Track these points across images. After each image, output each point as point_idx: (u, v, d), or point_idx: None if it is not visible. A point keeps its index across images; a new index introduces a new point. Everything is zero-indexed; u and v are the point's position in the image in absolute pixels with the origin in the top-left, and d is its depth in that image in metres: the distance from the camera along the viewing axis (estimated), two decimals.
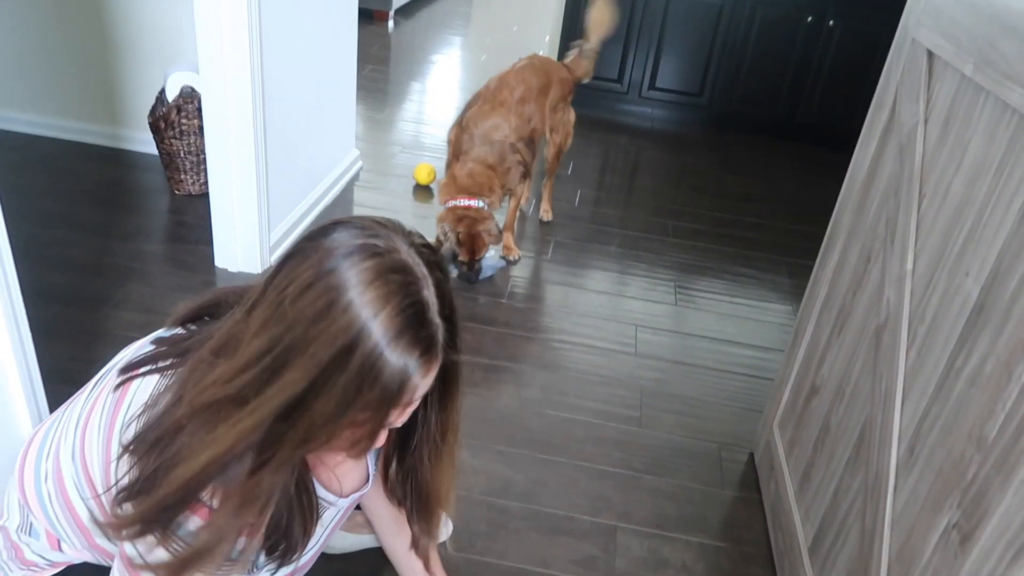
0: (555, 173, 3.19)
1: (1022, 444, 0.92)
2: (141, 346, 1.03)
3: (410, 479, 1.12)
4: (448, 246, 2.64)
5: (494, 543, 1.71)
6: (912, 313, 1.27)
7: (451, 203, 2.66)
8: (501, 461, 1.94)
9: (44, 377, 1.60)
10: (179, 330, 1.02)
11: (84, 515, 1.01)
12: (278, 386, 0.80)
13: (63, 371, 1.88)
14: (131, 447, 0.86)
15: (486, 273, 2.72)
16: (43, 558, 1.07)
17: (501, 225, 2.79)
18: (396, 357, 0.81)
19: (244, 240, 2.55)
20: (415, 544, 1.21)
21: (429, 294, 0.85)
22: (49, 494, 1.03)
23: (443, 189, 2.72)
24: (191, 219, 2.86)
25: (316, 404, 0.81)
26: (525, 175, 2.87)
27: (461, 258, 2.63)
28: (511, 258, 2.87)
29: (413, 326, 0.82)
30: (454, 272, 2.66)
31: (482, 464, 1.92)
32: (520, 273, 2.81)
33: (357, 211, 3.12)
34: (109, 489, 0.93)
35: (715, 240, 3.21)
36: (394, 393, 0.83)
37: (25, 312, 1.50)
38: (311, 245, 0.85)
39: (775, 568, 1.73)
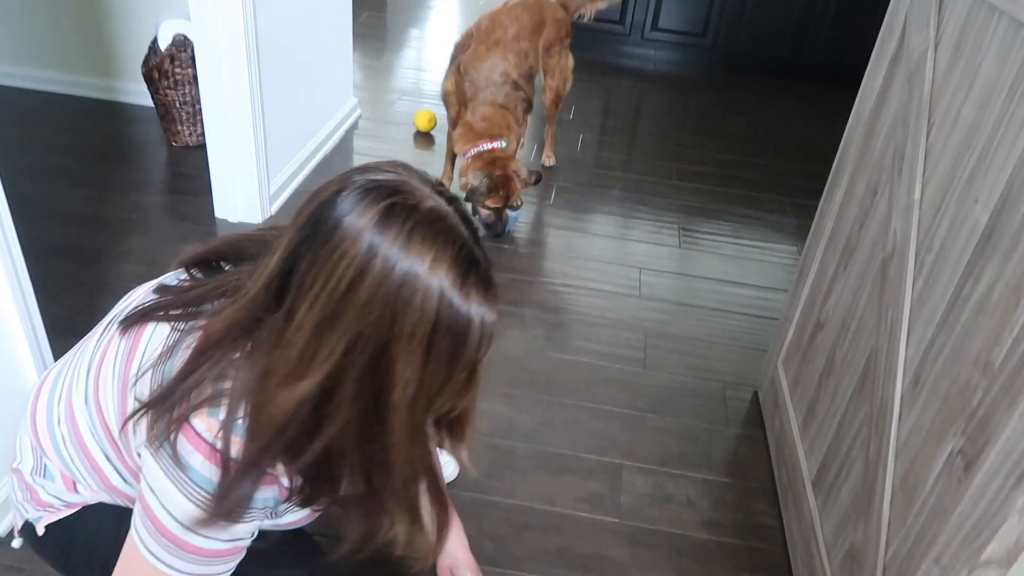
0: (555, 119, 3.13)
1: None
2: (145, 293, 1.02)
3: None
4: (477, 191, 2.52)
5: (500, 483, 1.73)
6: (919, 243, 1.26)
7: (473, 151, 2.56)
8: (506, 403, 1.95)
9: (48, 330, 1.60)
10: (184, 277, 1.00)
11: (100, 458, 1.01)
12: (385, 381, 0.80)
13: (67, 323, 1.88)
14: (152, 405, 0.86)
15: (509, 225, 2.63)
16: (59, 499, 1.07)
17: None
18: (472, 307, 0.81)
19: (243, 190, 2.53)
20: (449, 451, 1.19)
21: (464, 230, 0.84)
22: (63, 436, 1.03)
23: (460, 139, 2.62)
24: (190, 170, 2.83)
25: (425, 384, 0.81)
26: (527, 111, 2.82)
27: (492, 204, 2.50)
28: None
29: (470, 270, 0.81)
30: (482, 232, 2.58)
31: (487, 407, 1.93)
32: (523, 218, 2.79)
33: (357, 160, 3.09)
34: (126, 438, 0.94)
35: (720, 182, 3.18)
36: (480, 340, 0.83)
37: (26, 266, 1.49)
38: (333, 228, 0.78)
39: (779, 501, 1.75)
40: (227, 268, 0.98)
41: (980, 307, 1.04)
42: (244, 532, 0.91)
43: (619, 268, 2.55)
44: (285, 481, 0.89)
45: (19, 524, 1.11)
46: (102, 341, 1.01)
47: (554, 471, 1.78)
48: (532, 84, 2.81)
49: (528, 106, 2.80)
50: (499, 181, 2.48)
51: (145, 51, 2.94)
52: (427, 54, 4.28)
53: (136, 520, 0.90)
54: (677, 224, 2.84)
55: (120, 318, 0.99)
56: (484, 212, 2.54)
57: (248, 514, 0.88)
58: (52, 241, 2.35)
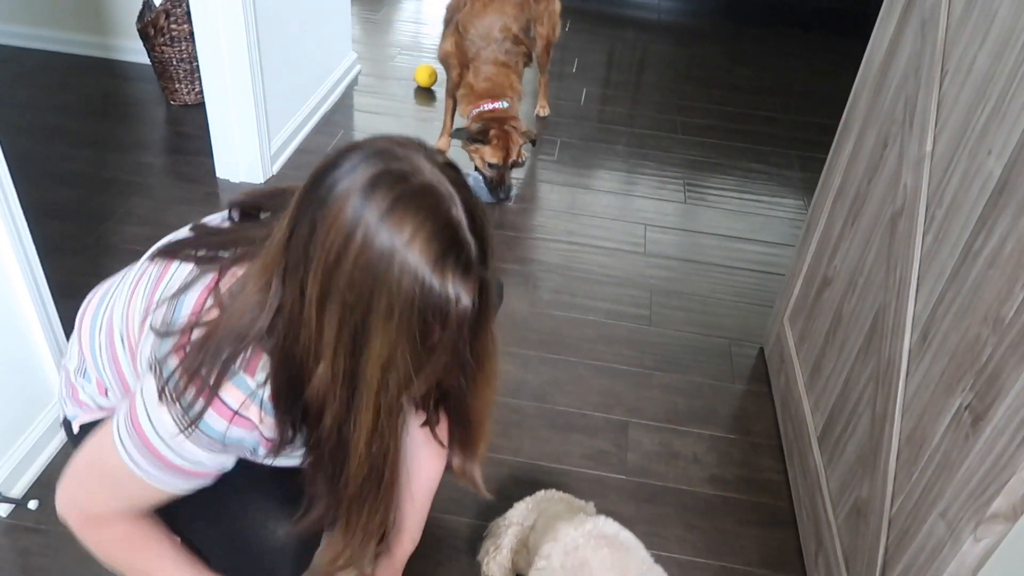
0: (548, 68, 3.07)
1: None
2: (186, 229, 1.05)
3: (450, 410, 1.12)
4: (467, 133, 2.51)
5: (508, 441, 1.74)
6: (930, 197, 1.24)
7: (474, 111, 2.54)
8: (513, 362, 1.95)
9: (54, 292, 1.60)
10: (226, 218, 1.02)
11: (126, 369, 1.05)
12: (365, 359, 0.80)
13: (73, 286, 1.87)
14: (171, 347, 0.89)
15: (514, 192, 2.61)
16: (93, 401, 1.12)
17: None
18: (449, 288, 0.78)
19: (244, 150, 2.50)
20: (459, 472, 1.20)
21: (457, 211, 0.81)
22: (100, 345, 1.07)
23: (463, 101, 2.61)
24: (189, 129, 2.80)
25: (398, 364, 0.80)
26: (526, 64, 2.79)
27: (493, 160, 2.47)
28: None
29: (451, 250, 0.78)
30: (486, 198, 2.52)
31: None
32: (527, 175, 2.76)
33: (358, 117, 3.05)
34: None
35: (725, 135, 3.13)
36: (459, 324, 0.80)
37: (28, 229, 1.48)
38: (326, 193, 0.78)
39: (784, 456, 1.76)
40: (263, 217, 1.00)
41: (991, 262, 1.03)
42: (210, 461, 0.92)
43: (624, 225, 2.53)
44: (267, 432, 0.90)
45: (61, 417, 1.17)
46: (143, 266, 1.05)
47: (561, 429, 1.79)
48: (530, 36, 2.76)
49: (528, 60, 2.76)
50: (496, 134, 2.44)
51: (140, 6, 2.88)
52: (426, 7, 4.19)
53: (120, 417, 0.93)
54: (682, 179, 2.81)
55: (158, 248, 1.04)
56: (488, 172, 2.50)
57: (216, 445, 0.89)
58: (53, 203, 2.34)
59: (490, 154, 2.48)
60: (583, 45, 3.85)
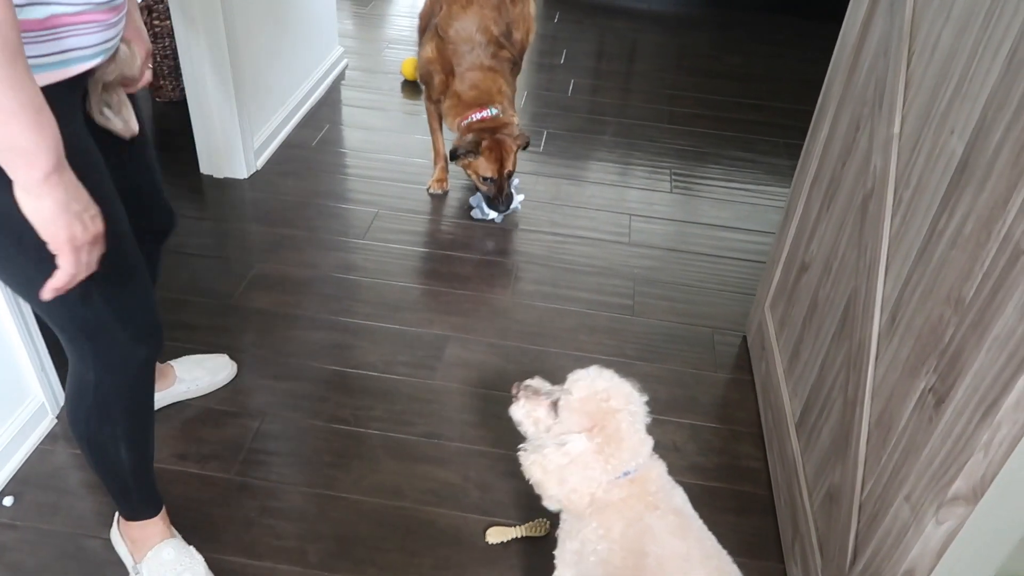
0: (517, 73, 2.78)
1: (997, 301, 0.89)
2: None
3: None
4: (460, 150, 2.36)
5: (487, 431, 1.74)
6: (898, 178, 1.22)
7: (463, 123, 2.40)
8: (493, 353, 1.95)
9: None
10: None
11: None
12: None
13: None
14: None
15: (514, 204, 2.45)
16: None
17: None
18: None
19: (227, 145, 2.49)
20: None
21: None
22: None
23: (450, 113, 2.45)
24: (174, 126, 2.79)
25: None
26: (514, 71, 2.60)
27: (487, 174, 2.35)
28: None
29: None
30: (484, 213, 2.43)
31: (474, 357, 1.93)
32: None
33: (345, 111, 3.04)
34: None
35: (714, 124, 3.11)
36: None
37: None
38: None
39: (764, 444, 1.75)
40: None
41: (953, 241, 1.02)
42: None
43: (609, 215, 2.52)
44: None
45: None
46: None
47: None
48: (511, 41, 2.60)
49: (515, 67, 2.59)
50: (489, 145, 2.32)
51: None
52: (416, 0, 4.18)
53: None
54: (669, 169, 2.80)
55: None
56: (484, 187, 2.39)
57: None
58: None
59: (484, 167, 2.35)
60: (572, 35, 3.83)
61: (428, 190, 2.56)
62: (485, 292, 2.15)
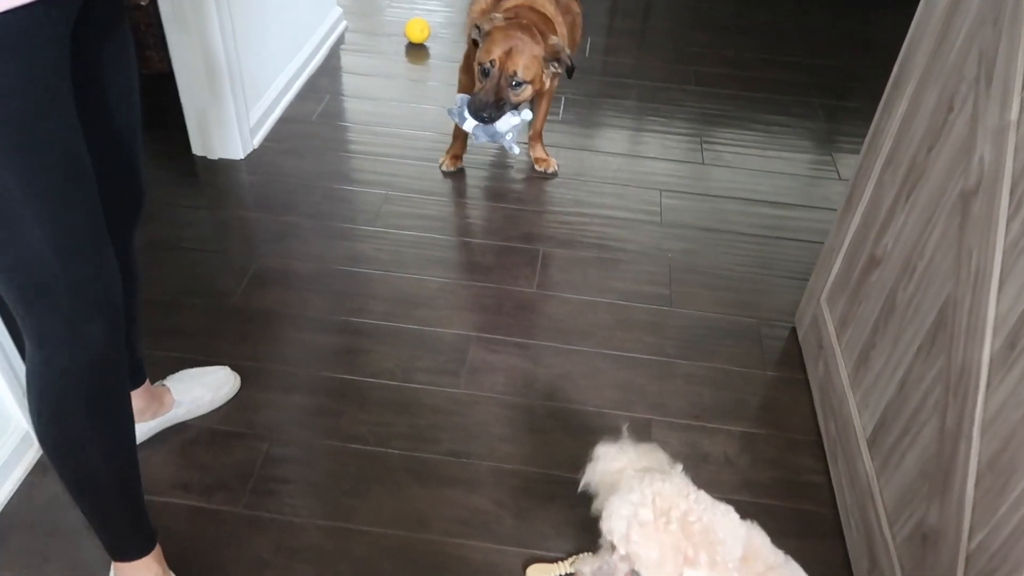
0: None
1: None
2: None
3: None
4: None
5: (518, 448, 1.57)
6: (1016, 176, 1.03)
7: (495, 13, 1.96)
8: (521, 355, 1.77)
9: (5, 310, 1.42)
10: None
11: None
12: None
13: None
14: None
15: (502, 130, 1.93)
16: None
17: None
18: None
19: (220, 123, 2.28)
20: None
21: None
22: None
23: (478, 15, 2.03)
24: (163, 101, 2.56)
25: None
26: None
27: (482, 59, 1.87)
28: (547, 170, 2.35)
29: None
30: (460, 117, 1.93)
31: (500, 360, 1.75)
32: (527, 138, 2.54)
33: (347, 79, 2.82)
34: None
35: (743, 85, 2.89)
36: None
37: None
38: None
39: (827, 457, 1.59)
40: None
41: None
42: None
43: (637, 191, 2.32)
44: None
45: None
46: None
47: (576, 432, 1.62)
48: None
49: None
50: (505, 28, 1.85)
51: None
52: None
53: None
54: (698, 137, 2.59)
55: None
56: (478, 83, 1.94)
57: None
58: None
59: (482, 52, 1.88)
60: None
61: (440, 166, 2.35)
62: (508, 284, 1.97)
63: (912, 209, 1.34)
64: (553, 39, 1.95)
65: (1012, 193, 1.03)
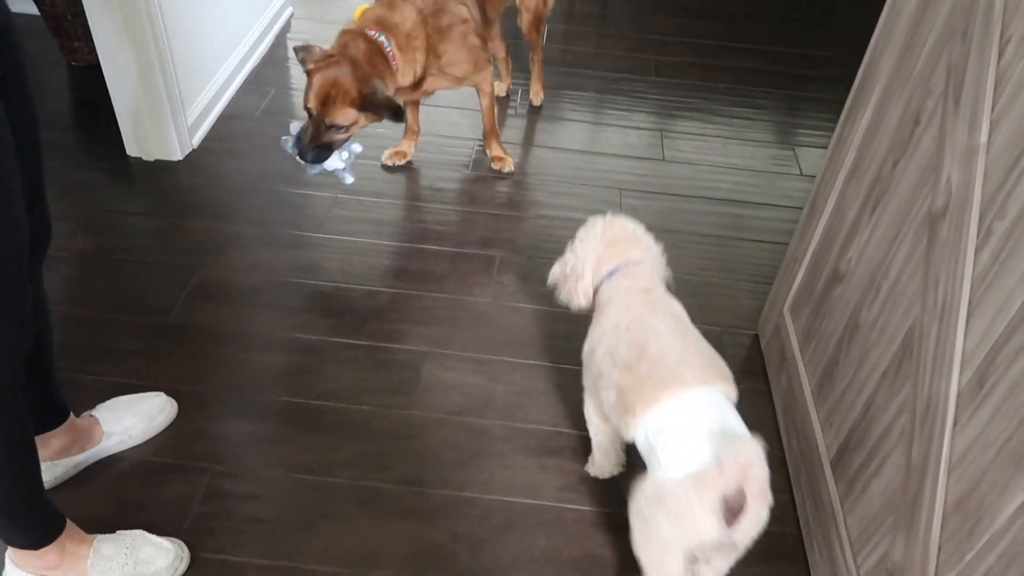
0: (540, 46, 2.50)
1: None
2: None
3: None
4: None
5: (475, 473, 1.51)
6: (986, 202, 0.98)
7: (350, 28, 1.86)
8: (477, 372, 1.70)
9: None
10: None
11: None
12: None
13: None
14: None
15: (329, 167, 1.85)
16: None
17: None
18: None
19: (155, 122, 2.15)
20: None
21: None
22: None
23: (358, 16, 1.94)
24: (94, 96, 2.42)
25: None
26: (480, 51, 2.06)
27: (305, 102, 1.80)
28: (504, 169, 2.27)
29: None
30: (290, 148, 1.83)
31: (455, 378, 1.68)
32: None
33: (294, 71, 2.69)
34: None
35: (705, 74, 2.83)
36: None
37: None
38: None
39: (789, 474, 1.55)
40: None
41: None
42: None
43: (597, 190, 2.25)
44: None
45: None
46: None
47: (536, 453, 1.56)
48: (487, 12, 2.14)
49: (479, 42, 2.04)
50: (324, 68, 1.76)
51: None
52: None
53: None
54: (659, 131, 2.52)
55: None
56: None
57: None
58: None
59: (305, 94, 1.80)
60: None
61: (383, 160, 2.25)
62: (463, 294, 1.89)
63: (877, 225, 1.29)
64: (373, 84, 1.80)
65: (981, 221, 0.98)
